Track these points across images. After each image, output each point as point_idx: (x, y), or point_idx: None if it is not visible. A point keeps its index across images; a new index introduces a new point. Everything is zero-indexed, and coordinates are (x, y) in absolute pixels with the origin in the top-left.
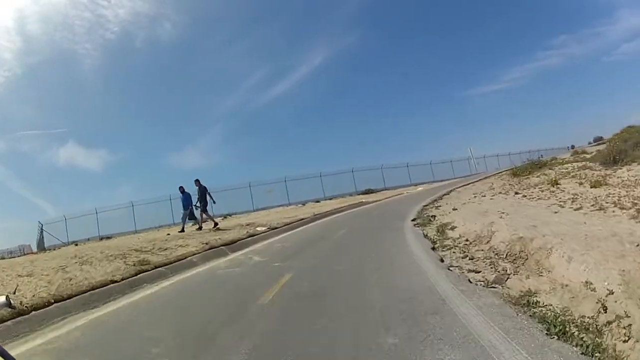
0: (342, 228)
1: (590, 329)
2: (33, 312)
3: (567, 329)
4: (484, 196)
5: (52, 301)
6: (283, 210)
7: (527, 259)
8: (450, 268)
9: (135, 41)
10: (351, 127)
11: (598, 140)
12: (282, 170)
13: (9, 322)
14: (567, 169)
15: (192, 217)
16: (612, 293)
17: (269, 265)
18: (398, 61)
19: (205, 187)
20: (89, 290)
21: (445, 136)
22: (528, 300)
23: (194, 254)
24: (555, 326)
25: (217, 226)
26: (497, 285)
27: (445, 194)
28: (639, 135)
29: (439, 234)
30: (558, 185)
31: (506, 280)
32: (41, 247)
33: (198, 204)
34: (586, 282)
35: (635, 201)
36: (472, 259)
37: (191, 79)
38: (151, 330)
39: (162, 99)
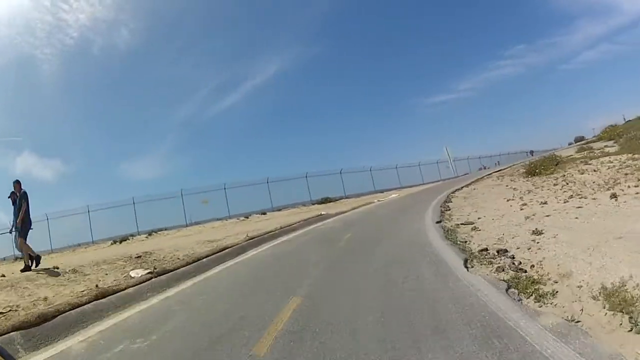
0: (291, 288)
1: None
2: None
3: None
4: (545, 203)
5: None
6: (220, 225)
7: None
8: None
9: (92, 47)
10: (306, 136)
11: (579, 139)
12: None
13: None
14: (611, 162)
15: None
16: None
17: None
18: (355, 72)
19: (26, 194)
20: None
21: (403, 143)
22: None
23: None
24: None
25: (35, 265)
26: None
27: (446, 200)
28: None
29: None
30: None
31: None
32: None
33: (16, 225)
34: None
35: None
36: None
37: (147, 88)
38: None
39: (118, 107)
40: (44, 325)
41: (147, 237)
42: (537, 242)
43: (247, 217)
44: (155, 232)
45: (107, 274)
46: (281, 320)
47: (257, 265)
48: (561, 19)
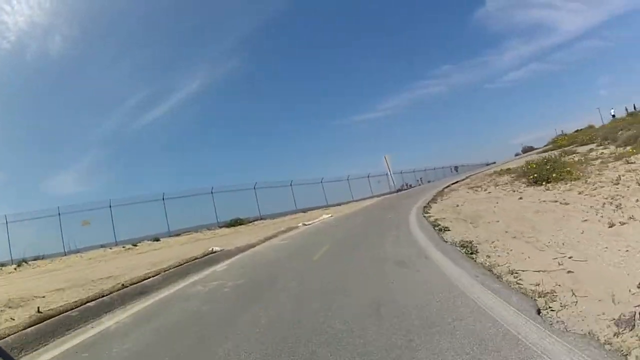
0: None
1: None
2: None
3: None
4: None
5: None
6: (101, 254)
7: None
8: None
9: (26, 53)
10: (227, 152)
11: (528, 149)
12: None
13: None
14: None
15: None
16: None
17: None
18: (279, 89)
19: None
20: None
21: (331, 160)
22: None
23: None
24: None
25: None
26: None
27: (436, 227)
28: None
29: None
30: None
31: None
32: None
33: None
34: None
35: None
36: None
37: (74, 98)
38: None
39: (46, 118)
40: None
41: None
42: None
43: (136, 245)
44: (27, 261)
45: None
46: None
47: None
48: (490, 39)
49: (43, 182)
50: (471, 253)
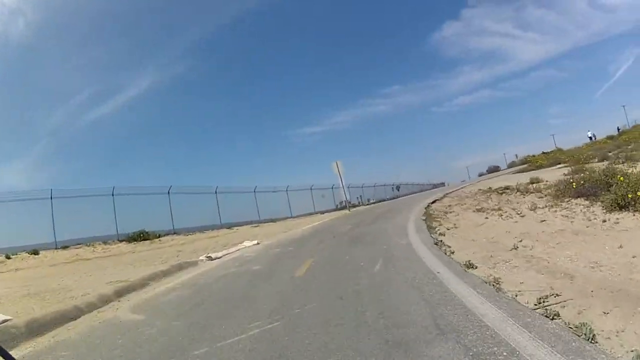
0: None
1: None
2: None
3: None
4: None
5: None
6: None
7: None
8: None
9: None
10: (167, 152)
11: (494, 169)
12: None
13: None
14: None
15: None
16: None
17: None
18: (228, 94)
19: None
20: None
21: (274, 171)
22: None
23: None
24: None
25: None
26: None
27: None
28: None
29: None
30: None
31: None
32: None
33: None
34: None
35: None
36: None
37: (26, 89)
38: None
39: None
40: None
41: None
42: None
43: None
44: None
45: None
46: None
47: None
48: (444, 63)
49: None
50: None
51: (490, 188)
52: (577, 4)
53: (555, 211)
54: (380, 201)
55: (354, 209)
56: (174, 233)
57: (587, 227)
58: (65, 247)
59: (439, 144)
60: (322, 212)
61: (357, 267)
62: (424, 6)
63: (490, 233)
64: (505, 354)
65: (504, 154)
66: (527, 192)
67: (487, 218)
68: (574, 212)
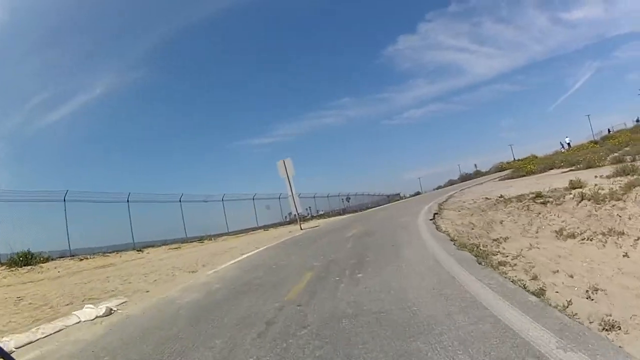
0: None
1: None
2: None
3: None
4: None
5: None
6: None
7: None
8: None
9: None
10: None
11: (466, 178)
12: None
13: None
14: None
15: None
16: None
17: None
18: (178, 103)
19: None
20: None
21: (213, 183)
22: None
23: None
24: None
25: None
26: None
27: None
28: None
29: None
30: None
31: None
32: None
33: None
34: None
35: None
36: None
37: None
38: None
39: None
40: None
41: None
42: None
43: None
44: None
45: None
46: None
47: None
48: (396, 76)
49: None
50: None
51: (503, 197)
52: (537, 20)
53: None
54: (339, 214)
55: (307, 224)
56: (71, 256)
57: None
58: None
59: (389, 156)
60: (267, 227)
61: None
62: (380, 19)
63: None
64: None
65: (459, 165)
66: (603, 200)
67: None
68: None
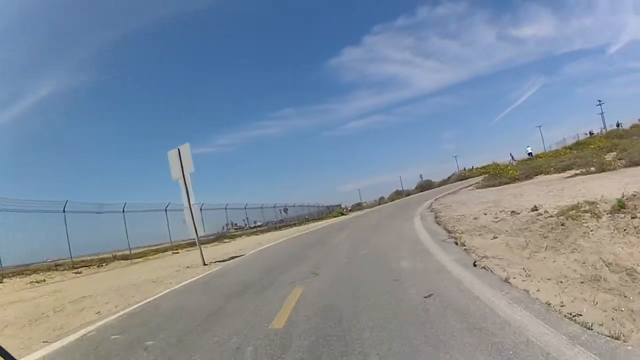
0: None
1: None
2: None
3: None
4: None
5: None
6: None
7: None
8: None
9: None
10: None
11: (426, 187)
12: None
13: None
14: None
15: None
16: None
17: None
18: (120, 108)
19: None
20: None
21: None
22: None
23: None
24: None
25: None
26: None
27: None
28: None
29: None
30: None
31: None
32: None
33: None
34: None
35: None
36: None
37: None
38: None
39: None
40: None
41: None
42: None
43: None
44: None
45: None
46: None
47: None
48: (339, 88)
49: None
50: None
51: (546, 211)
52: (485, 36)
53: None
54: (276, 227)
55: (224, 249)
56: None
57: None
58: None
59: (329, 167)
60: (180, 247)
61: None
62: (326, 31)
63: None
64: None
65: (400, 175)
66: None
67: None
68: None
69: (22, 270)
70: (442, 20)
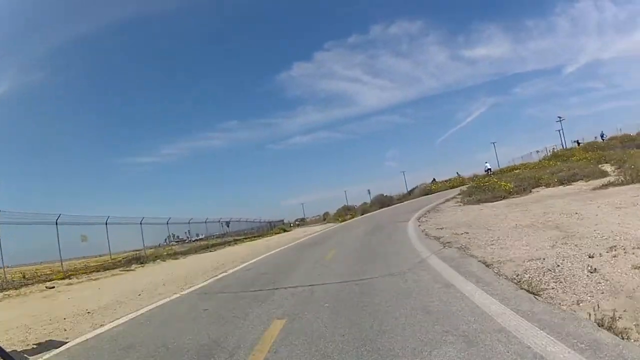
0: None
1: None
2: None
3: None
4: None
5: None
6: None
7: None
8: None
9: None
10: None
11: (387, 203)
12: None
13: None
14: None
15: None
16: None
17: None
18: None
19: None
20: None
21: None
22: None
23: None
24: None
25: None
26: None
27: None
28: None
29: None
30: None
31: None
32: None
33: None
34: None
35: None
36: None
37: None
38: None
39: None
40: None
41: None
42: None
43: None
44: None
45: None
46: None
47: None
48: (286, 102)
49: None
50: None
51: None
52: (437, 56)
53: None
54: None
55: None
56: None
57: None
58: None
59: (273, 181)
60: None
61: None
62: (276, 45)
63: None
64: None
65: (345, 191)
66: None
67: None
68: None
69: None
70: (395, 39)
